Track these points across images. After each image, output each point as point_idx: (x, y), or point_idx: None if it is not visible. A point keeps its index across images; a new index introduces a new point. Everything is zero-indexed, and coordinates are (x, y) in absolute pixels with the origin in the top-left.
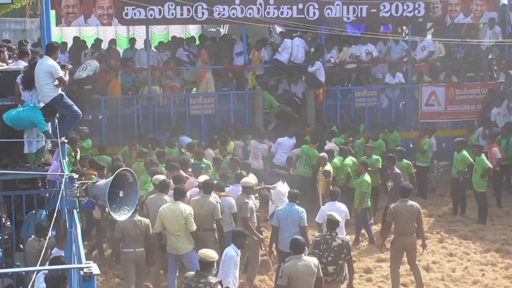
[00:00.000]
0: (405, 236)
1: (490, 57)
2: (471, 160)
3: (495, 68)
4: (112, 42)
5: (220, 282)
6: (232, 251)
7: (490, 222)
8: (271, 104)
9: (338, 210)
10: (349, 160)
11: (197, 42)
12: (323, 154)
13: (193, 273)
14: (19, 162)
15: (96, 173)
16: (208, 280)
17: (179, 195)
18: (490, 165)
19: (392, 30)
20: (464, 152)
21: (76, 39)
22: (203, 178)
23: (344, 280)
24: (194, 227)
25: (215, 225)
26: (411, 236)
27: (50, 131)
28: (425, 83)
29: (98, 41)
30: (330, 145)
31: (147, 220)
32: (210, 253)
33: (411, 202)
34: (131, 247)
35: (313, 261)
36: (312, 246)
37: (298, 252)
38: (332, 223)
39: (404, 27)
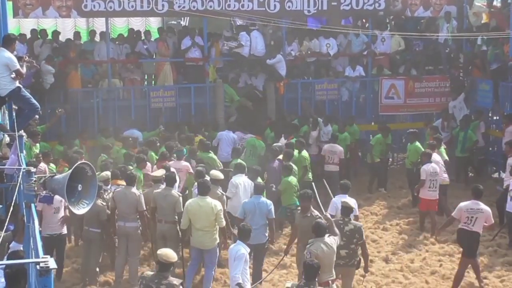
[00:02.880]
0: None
1: (447, 50)
2: (423, 150)
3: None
4: (77, 35)
5: (182, 284)
6: (242, 248)
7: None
8: (232, 98)
9: None
10: (305, 153)
11: (155, 35)
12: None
13: (151, 273)
14: None
15: (68, 165)
16: (171, 282)
17: (205, 190)
18: (446, 157)
19: (353, 23)
20: (417, 143)
21: (33, 31)
22: (161, 172)
23: (358, 265)
24: (224, 223)
25: (176, 217)
26: None
27: (8, 125)
28: (385, 76)
29: (43, 32)
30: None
31: (100, 205)
32: (170, 254)
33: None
34: (86, 225)
35: (333, 240)
36: None
37: (320, 235)
38: (346, 209)
39: (364, 20)
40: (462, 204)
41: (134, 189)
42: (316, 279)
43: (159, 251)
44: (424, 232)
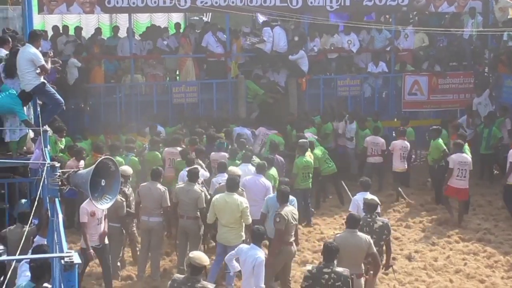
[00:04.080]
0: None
1: (472, 47)
2: (444, 147)
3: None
4: (98, 31)
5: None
6: (258, 253)
7: (472, 211)
8: (256, 93)
9: None
10: (318, 150)
11: (172, 31)
12: (303, 141)
13: (181, 276)
14: (0, 150)
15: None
16: (205, 285)
17: (233, 186)
18: (469, 155)
19: (375, 19)
20: (439, 140)
21: (55, 28)
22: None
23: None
24: (250, 220)
25: (198, 213)
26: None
27: (32, 120)
28: (408, 72)
29: (65, 28)
30: (307, 135)
31: (119, 201)
32: (203, 257)
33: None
34: (109, 221)
35: (365, 238)
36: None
37: (352, 227)
38: (371, 206)
39: (387, 16)
40: None
41: (159, 185)
42: (335, 262)
43: (191, 254)
44: (453, 219)
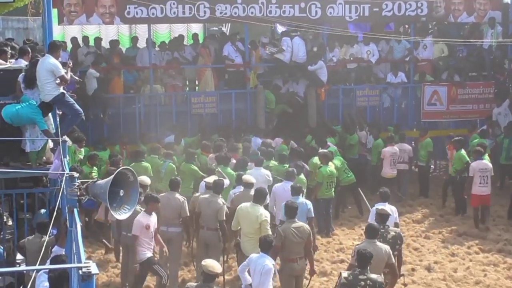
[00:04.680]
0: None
1: (492, 57)
2: (468, 159)
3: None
4: (116, 43)
5: None
6: (267, 261)
7: (492, 222)
8: (271, 105)
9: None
10: (337, 161)
11: (190, 42)
12: (324, 151)
13: (194, 284)
14: (20, 160)
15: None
16: None
17: (259, 198)
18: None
19: (394, 29)
20: (462, 151)
21: (74, 39)
22: (212, 178)
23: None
24: (269, 233)
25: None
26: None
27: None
28: (427, 83)
29: (85, 39)
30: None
31: (138, 211)
32: (215, 265)
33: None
34: (124, 231)
35: (385, 248)
36: None
37: (372, 237)
38: (382, 216)
39: (407, 26)
40: None
41: (178, 195)
42: (368, 268)
43: (203, 262)
44: (477, 230)
